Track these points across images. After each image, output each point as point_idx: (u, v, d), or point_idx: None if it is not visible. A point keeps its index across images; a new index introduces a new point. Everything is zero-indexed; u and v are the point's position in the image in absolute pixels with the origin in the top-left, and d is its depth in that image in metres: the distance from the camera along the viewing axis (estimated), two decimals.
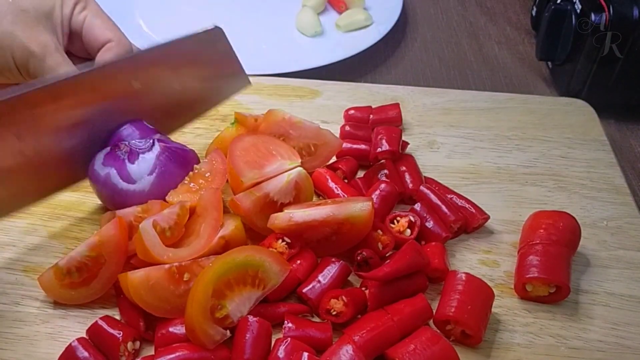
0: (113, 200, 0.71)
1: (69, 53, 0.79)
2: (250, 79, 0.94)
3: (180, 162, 0.73)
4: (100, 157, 0.72)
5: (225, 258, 0.61)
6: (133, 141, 0.72)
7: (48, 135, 0.68)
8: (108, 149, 0.72)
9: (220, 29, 0.78)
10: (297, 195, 0.72)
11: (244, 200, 0.68)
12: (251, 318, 0.60)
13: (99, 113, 0.71)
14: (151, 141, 0.72)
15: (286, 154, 0.73)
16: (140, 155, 0.71)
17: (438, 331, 0.63)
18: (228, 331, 0.60)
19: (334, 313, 0.63)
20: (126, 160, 0.70)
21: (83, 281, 0.65)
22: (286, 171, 0.71)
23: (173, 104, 0.79)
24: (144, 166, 0.70)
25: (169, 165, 0.71)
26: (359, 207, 0.66)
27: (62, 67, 0.72)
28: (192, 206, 0.70)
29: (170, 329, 0.61)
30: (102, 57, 0.76)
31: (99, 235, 0.65)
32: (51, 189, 0.72)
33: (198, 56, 0.78)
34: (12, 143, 0.65)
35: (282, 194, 0.70)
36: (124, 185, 0.70)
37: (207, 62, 0.80)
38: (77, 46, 0.79)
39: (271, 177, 0.70)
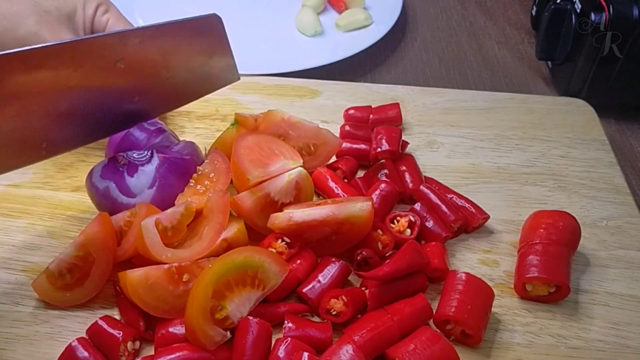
0: (113, 212, 0.69)
1: None
2: (250, 78, 0.94)
3: (180, 172, 0.71)
4: (98, 169, 0.71)
5: (225, 259, 0.61)
6: (131, 153, 0.70)
7: (13, 106, 0.62)
8: (106, 160, 0.71)
9: (218, 16, 0.75)
10: (298, 195, 0.72)
11: (245, 199, 0.68)
12: (251, 319, 0.60)
13: (78, 90, 0.65)
14: (149, 153, 0.70)
15: (288, 154, 0.73)
16: (140, 168, 0.69)
17: (438, 331, 0.63)
18: (228, 332, 0.60)
19: (334, 313, 0.63)
20: (125, 174, 0.69)
21: (76, 281, 0.65)
22: (288, 171, 0.71)
23: (158, 88, 0.74)
24: (143, 180, 0.69)
25: (169, 177, 0.70)
26: (359, 207, 0.66)
27: None
28: (199, 208, 0.69)
29: (170, 329, 0.61)
30: None
31: (83, 234, 0.65)
32: (11, 166, 0.66)
33: (190, 43, 0.74)
34: None
35: (283, 193, 0.70)
36: (124, 199, 0.69)
37: (199, 50, 0.75)
38: None
39: (275, 176, 0.70)
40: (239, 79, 0.82)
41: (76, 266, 0.65)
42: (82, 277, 0.65)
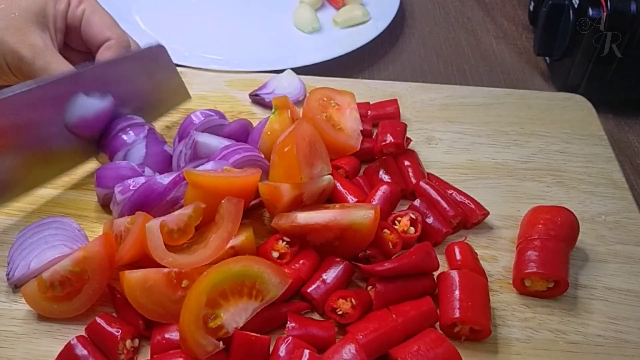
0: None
1: (68, 47, 0.79)
2: (248, 75, 0.94)
3: None
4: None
5: (221, 267, 0.60)
6: None
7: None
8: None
9: (162, 46, 0.81)
10: (318, 199, 0.72)
11: (286, 192, 0.67)
12: (248, 334, 0.59)
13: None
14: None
15: (324, 159, 0.74)
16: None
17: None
18: (221, 342, 0.58)
19: (340, 313, 0.63)
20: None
21: (66, 295, 0.64)
22: (322, 177, 0.72)
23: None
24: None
25: None
26: (362, 215, 0.65)
27: (53, 66, 0.73)
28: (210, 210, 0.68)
29: (167, 335, 0.61)
30: (102, 55, 0.76)
31: (84, 251, 0.64)
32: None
33: (140, 72, 0.80)
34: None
35: (311, 196, 0.71)
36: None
37: (149, 78, 0.82)
38: (76, 40, 0.79)
39: (313, 179, 0.71)
40: (190, 98, 0.88)
41: (69, 280, 0.64)
42: (73, 292, 0.64)
